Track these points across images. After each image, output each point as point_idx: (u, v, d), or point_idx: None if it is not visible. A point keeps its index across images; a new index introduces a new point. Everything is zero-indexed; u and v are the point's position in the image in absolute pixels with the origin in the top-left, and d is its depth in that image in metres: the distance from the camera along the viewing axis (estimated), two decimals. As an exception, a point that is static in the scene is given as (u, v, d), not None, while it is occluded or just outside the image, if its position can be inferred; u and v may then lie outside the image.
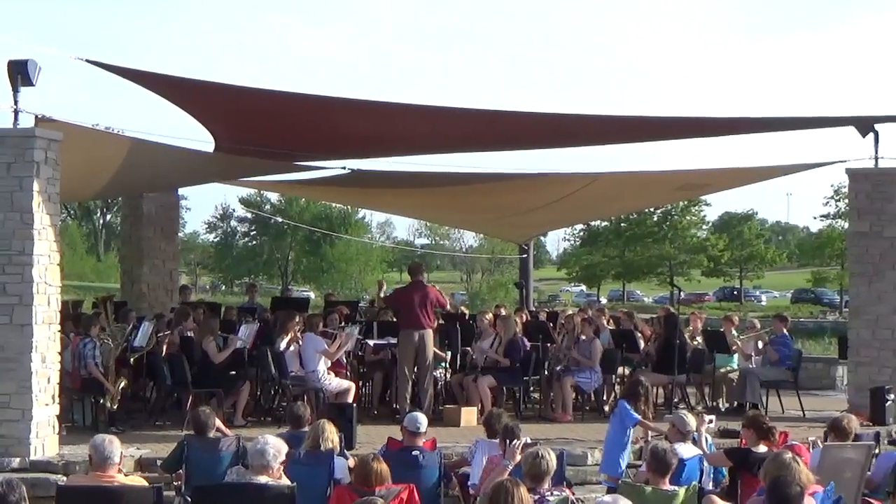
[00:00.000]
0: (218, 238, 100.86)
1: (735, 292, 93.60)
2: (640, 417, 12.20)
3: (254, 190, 64.85)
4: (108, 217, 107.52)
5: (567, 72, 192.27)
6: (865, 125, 16.74)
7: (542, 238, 64.08)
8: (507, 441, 10.09)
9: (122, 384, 15.51)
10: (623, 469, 11.86)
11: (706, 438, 11.50)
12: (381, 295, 18.64)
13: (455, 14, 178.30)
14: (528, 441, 10.25)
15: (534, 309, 25.67)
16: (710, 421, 11.72)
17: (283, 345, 16.44)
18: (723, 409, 17.83)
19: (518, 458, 9.48)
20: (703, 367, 18.25)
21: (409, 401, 16.54)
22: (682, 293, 26.55)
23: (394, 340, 17.25)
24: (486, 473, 9.93)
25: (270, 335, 16.99)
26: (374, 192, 23.45)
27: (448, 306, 18.83)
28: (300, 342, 16.41)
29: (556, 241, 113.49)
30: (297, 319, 16.76)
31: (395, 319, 17.67)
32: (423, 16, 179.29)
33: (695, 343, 18.72)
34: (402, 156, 19.70)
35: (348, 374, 17.21)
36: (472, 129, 17.19)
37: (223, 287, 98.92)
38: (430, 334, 16.91)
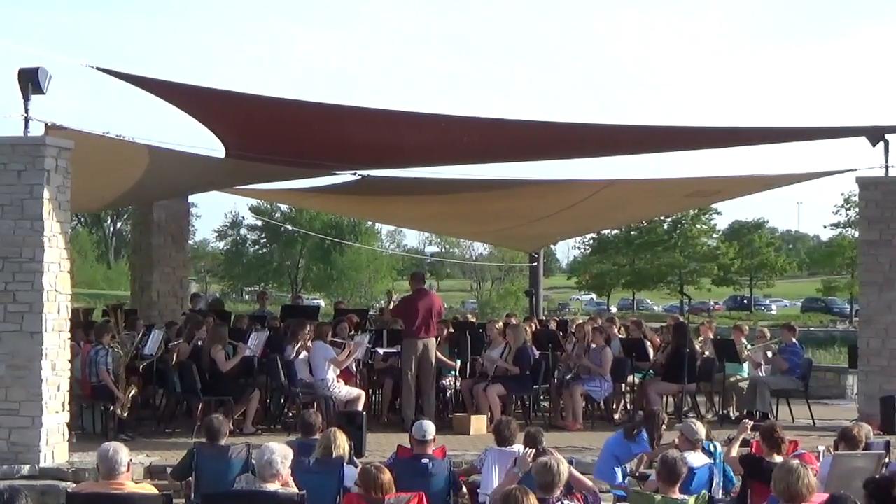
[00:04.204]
0: (228, 246, 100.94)
1: (745, 301, 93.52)
2: (651, 450, 12.09)
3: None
4: (119, 224, 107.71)
5: (577, 81, 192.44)
6: (876, 134, 16.71)
7: (552, 247, 64.04)
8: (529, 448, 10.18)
9: (132, 392, 15.53)
10: (620, 479, 11.83)
11: (715, 445, 11.47)
12: (391, 306, 18.68)
13: (464, 21, 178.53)
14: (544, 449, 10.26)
15: (543, 318, 25.66)
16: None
17: (292, 353, 16.46)
18: (733, 418, 17.80)
19: (529, 465, 9.48)
20: (713, 376, 18.23)
21: (413, 409, 16.60)
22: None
23: (403, 349, 17.29)
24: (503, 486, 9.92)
25: (280, 343, 17.03)
26: (383, 202, 23.45)
27: (443, 314, 18.89)
28: (309, 350, 16.43)
29: (566, 249, 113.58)
30: (306, 327, 16.79)
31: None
32: (432, 24, 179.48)
33: (705, 354, 18.67)
34: (412, 167, 19.74)
35: (358, 382, 17.23)
36: (483, 139, 17.19)
37: (233, 295, 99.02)
38: (432, 343, 17.00)
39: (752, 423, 11.93)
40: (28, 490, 7.94)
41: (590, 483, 10.37)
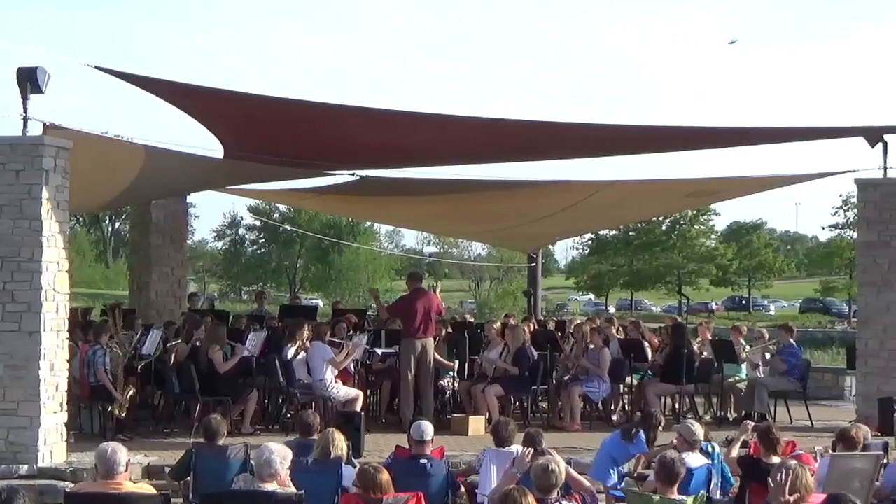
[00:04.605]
0: (226, 246, 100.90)
1: (744, 302, 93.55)
2: (649, 451, 12.09)
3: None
4: (117, 224, 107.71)
5: (576, 81, 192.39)
6: (874, 135, 16.68)
7: (550, 247, 63.96)
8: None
9: (131, 392, 15.51)
10: (615, 480, 11.83)
11: (714, 446, 11.47)
12: (382, 304, 18.68)
13: (464, 22, 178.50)
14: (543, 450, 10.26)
15: (542, 318, 25.65)
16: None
17: (290, 353, 16.44)
18: (731, 419, 17.82)
19: (527, 465, 9.48)
20: (711, 377, 18.22)
21: (412, 410, 16.58)
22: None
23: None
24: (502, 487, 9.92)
25: (279, 343, 17.01)
26: (382, 202, 23.43)
27: (444, 313, 18.86)
28: (308, 350, 16.42)
29: (565, 249, 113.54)
30: (304, 327, 16.77)
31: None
32: (432, 24, 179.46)
33: (703, 355, 18.65)
34: (411, 166, 19.71)
35: (356, 382, 17.22)
36: (483, 138, 17.18)
37: (232, 294, 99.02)
38: (430, 343, 16.97)
39: (753, 423, 11.93)
40: (26, 490, 7.97)
41: (588, 484, 10.35)
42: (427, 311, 16.86)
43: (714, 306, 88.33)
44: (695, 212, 77.98)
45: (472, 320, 22.81)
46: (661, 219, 78.98)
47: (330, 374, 16.13)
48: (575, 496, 9.30)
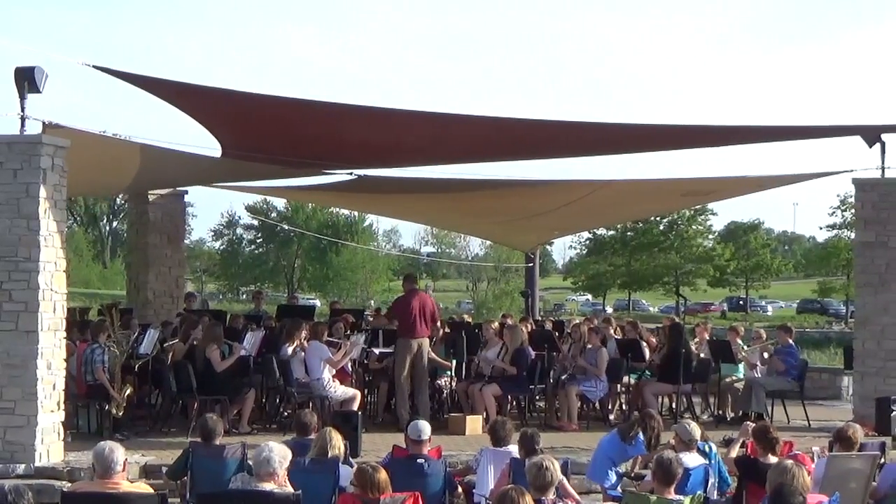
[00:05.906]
0: (224, 245, 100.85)
1: (741, 302, 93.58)
2: (647, 453, 12.08)
3: (260, 197, 64.96)
4: (115, 224, 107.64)
5: (574, 80, 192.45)
6: (872, 135, 16.67)
7: (548, 247, 64.07)
8: (528, 450, 10.19)
9: (128, 391, 15.49)
10: (613, 481, 11.82)
11: (711, 446, 11.46)
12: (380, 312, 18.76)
13: (463, 23, 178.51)
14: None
15: (539, 318, 25.63)
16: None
17: (288, 352, 16.44)
18: (728, 419, 17.82)
19: None
20: (709, 377, 18.21)
21: (408, 409, 16.58)
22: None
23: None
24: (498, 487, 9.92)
25: (276, 343, 17.01)
26: (381, 197, 23.45)
27: (439, 322, 18.82)
28: (305, 350, 16.41)
29: (562, 250, 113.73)
30: (302, 327, 16.77)
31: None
32: (431, 24, 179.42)
33: (701, 355, 18.63)
34: (409, 165, 19.69)
35: (353, 382, 17.22)
36: (481, 137, 17.16)
37: (229, 294, 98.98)
38: (426, 342, 16.99)
39: (753, 424, 11.94)
40: (23, 489, 7.93)
41: (577, 496, 10.24)
42: (422, 310, 16.89)
43: (724, 307, 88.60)
44: (692, 212, 77.97)
45: (469, 320, 22.79)
46: (658, 219, 78.96)
47: (327, 374, 16.13)
48: (571, 498, 9.31)
